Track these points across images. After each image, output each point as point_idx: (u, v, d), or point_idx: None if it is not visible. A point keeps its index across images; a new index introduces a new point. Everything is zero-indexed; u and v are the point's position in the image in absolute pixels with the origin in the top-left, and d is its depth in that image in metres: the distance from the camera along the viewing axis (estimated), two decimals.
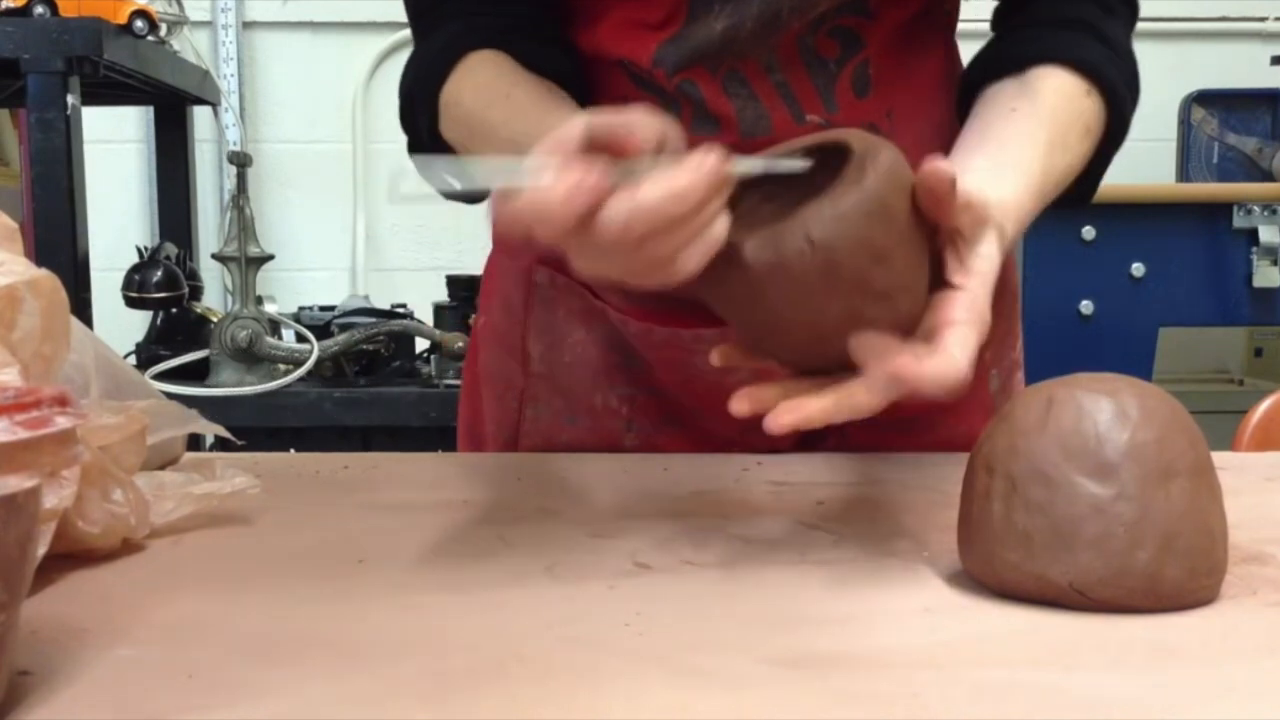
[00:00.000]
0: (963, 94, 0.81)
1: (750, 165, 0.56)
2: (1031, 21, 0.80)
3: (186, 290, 2.08)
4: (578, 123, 0.54)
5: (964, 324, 0.58)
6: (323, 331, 2.06)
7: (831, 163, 0.58)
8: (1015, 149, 0.70)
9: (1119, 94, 0.77)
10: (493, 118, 0.74)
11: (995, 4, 0.84)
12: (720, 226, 0.54)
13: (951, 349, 0.57)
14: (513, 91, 0.75)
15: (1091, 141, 0.76)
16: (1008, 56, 0.78)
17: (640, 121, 0.54)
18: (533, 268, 0.91)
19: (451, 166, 0.51)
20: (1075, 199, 0.80)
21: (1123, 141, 0.79)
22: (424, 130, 0.80)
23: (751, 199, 0.61)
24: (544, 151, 0.52)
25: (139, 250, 2.12)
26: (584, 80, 0.82)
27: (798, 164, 0.56)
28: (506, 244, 0.80)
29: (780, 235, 0.55)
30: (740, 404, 0.57)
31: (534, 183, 0.50)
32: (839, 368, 0.57)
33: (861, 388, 0.56)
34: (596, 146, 0.53)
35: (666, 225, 0.51)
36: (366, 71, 2.64)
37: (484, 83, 0.76)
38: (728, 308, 0.60)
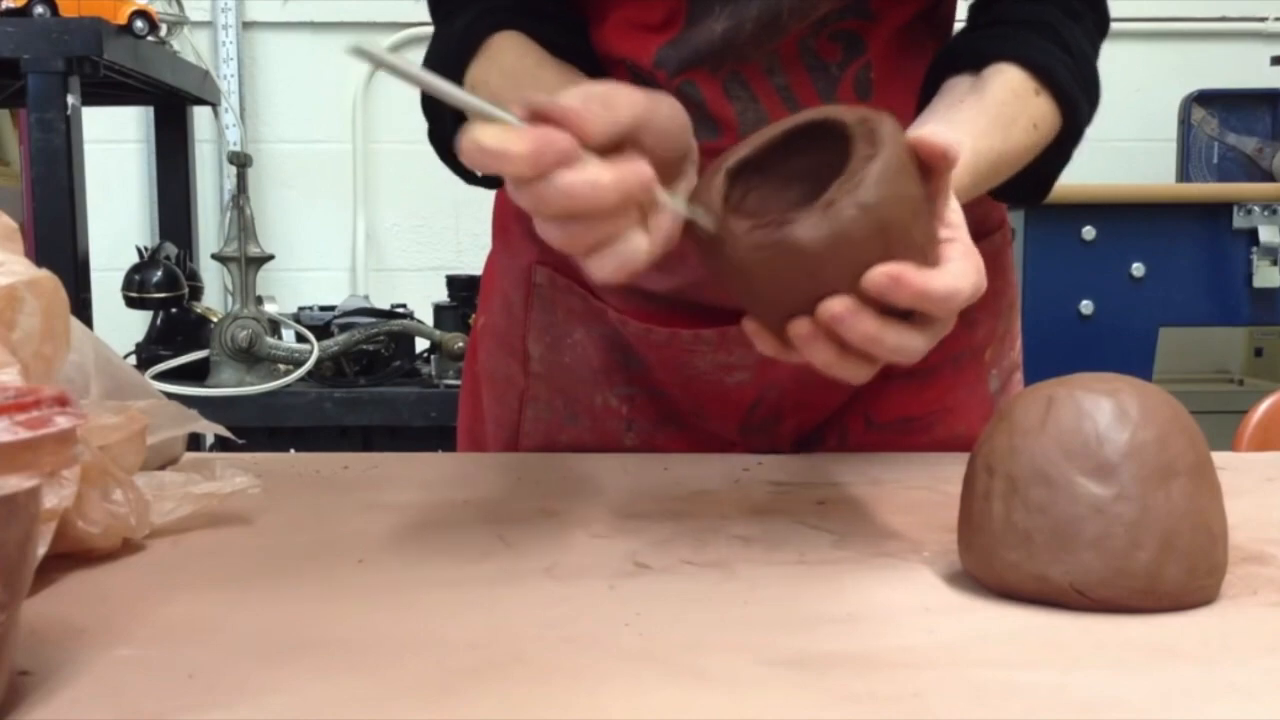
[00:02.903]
0: (925, 84, 0.81)
1: (682, 204, 0.58)
2: (995, 20, 0.80)
3: (186, 290, 2.08)
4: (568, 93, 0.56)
5: (960, 259, 0.60)
6: (323, 331, 2.06)
7: (814, 143, 0.60)
8: (948, 129, 0.70)
9: (1070, 96, 0.77)
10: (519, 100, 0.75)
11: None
12: (637, 243, 0.56)
13: (953, 270, 0.59)
14: (539, 73, 0.75)
15: (1039, 136, 0.76)
16: (967, 52, 0.79)
17: (602, 111, 0.55)
18: (532, 268, 0.91)
19: (432, 80, 0.54)
20: (1028, 196, 0.81)
21: (1077, 143, 0.79)
22: (448, 114, 0.80)
23: (735, 193, 0.61)
24: (521, 101, 0.55)
25: (139, 250, 2.12)
26: (599, 65, 0.83)
27: (707, 219, 0.58)
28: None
29: (832, 209, 0.56)
30: None
31: (510, 122, 0.53)
32: None
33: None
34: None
35: (583, 212, 0.54)
36: (366, 71, 2.64)
37: (509, 66, 0.76)
38: (766, 292, 0.59)
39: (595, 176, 0.53)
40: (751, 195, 0.62)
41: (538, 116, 0.54)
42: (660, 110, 0.59)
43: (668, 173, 0.60)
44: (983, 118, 0.72)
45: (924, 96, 0.81)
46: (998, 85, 0.75)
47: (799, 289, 0.57)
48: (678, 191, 0.60)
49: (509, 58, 0.77)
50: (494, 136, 0.52)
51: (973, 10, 0.85)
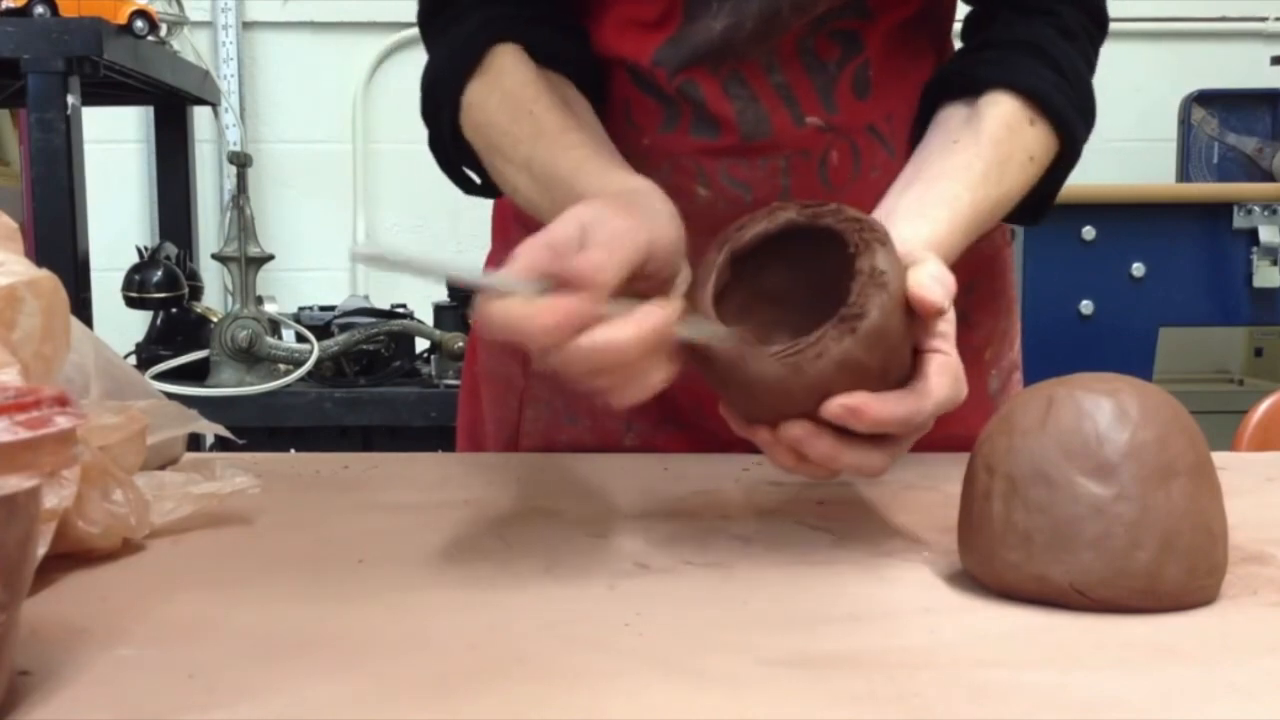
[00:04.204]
0: (920, 111, 0.82)
1: (693, 330, 0.59)
2: (988, 43, 0.81)
3: (186, 290, 2.08)
4: (555, 239, 0.57)
5: (936, 375, 0.61)
6: (323, 331, 2.06)
7: (806, 240, 0.62)
8: (946, 184, 0.72)
9: (1066, 120, 0.78)
10: (516, 133, 0.76)
11: (967, 13, 0.85)
12: (658, 375, 0.57)
13: (920, 389, 0.60)
14: (534, 109, 0.75)
15: (1036, 169, 0.77)
16: (962, 78, 0.79)
17: (609, 261, 0.56)
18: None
19: (431, 265, 0.55)
20: (1027, 219, 0.82)
21: (1074, 164, 0.81)
22: (446, 126, 0.80)
23: (737, 274, 0.64)
24: (526, 264, 0.55)
25: (139, 250, 2.12)
26: (597, 67, 0.83)
27: (730, 338, 0.59)
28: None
29: (803, 357, 0.57)
30: None
31: (524, 296, 0.54)
32: None
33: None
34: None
35: (608, 366, 0.56)
36: (366, 71, 2.65)
37: (509, 91, 0.77)
38: (727, 393, 0.62)
39: (615, 337, 0.55)
40: (737, 289, 0.64)
41: (558, 280, 0.55)
42: (658, 235, 0.60)
43: (668, 276, 0.62)
44: (979, 162, 0.73)
45: (919, 123, 0.81)
46: (992, 121, 0.76)
47: (770, 406, 0.59)
48: (677, 287, 0.62)
49: (508, 81, 0.77)
50: (516, 313, 0.53)
51: (966, 29, 0.85)
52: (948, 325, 0.63)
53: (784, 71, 0.80)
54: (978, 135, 0.75)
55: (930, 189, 0.72)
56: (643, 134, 0.83)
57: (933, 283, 0.60)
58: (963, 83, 0.79)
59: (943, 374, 0.61)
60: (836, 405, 0.57)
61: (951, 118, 0.78)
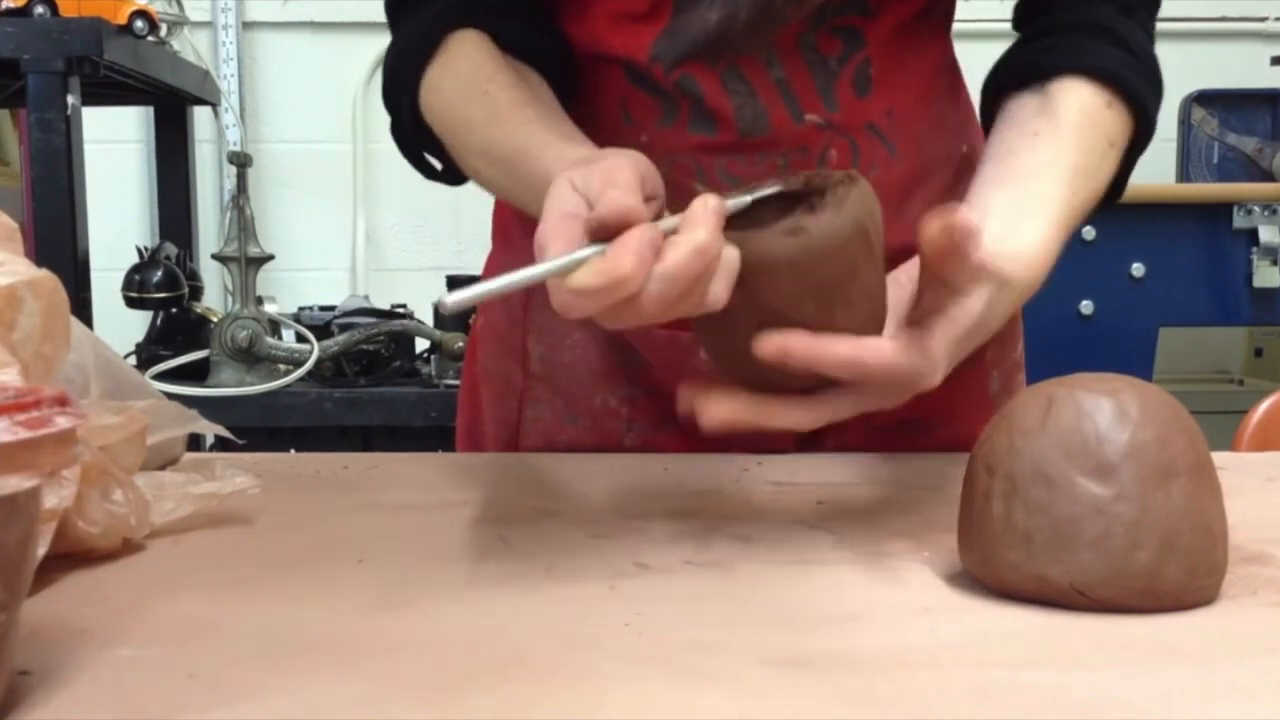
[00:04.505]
0: (985, 103, 0.81)
1: (738, 201, 0.59)
2: (1050, 28, 0.80)
3: (186, 290, 2.08)
4: (565, 208, 0.56)
5: (903, 343, 0.59)
6: (323, 332, 2.06)
7: (812, 200, 0.61)
8: (1040, 182, 0.71)
9: (1142, 98, 0.77)
10: (470, 115, 0.75)
11: (1015, 2, 0.84)
12: (732, 253, 0.56)
13: (865, 342, 0.58)
14: (489, 88, 0.75)
15: (1116, 155, 0.77)
16: (1028, 65, 0.78)
17: (623, 190, 0.55)
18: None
19: (488, 286, 0.53)
20: (1105, 203, 0.81)
21: (1149, 140, 0.80)
22: (405, 112, 0.80)
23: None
24: (563, 242, 0.54)
25: (139, 250, 2.12)
26: (566, 59, 0.82)
27: (771, 188, 0.60)
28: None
29: (772, 236, 0.57)
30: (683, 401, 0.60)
31: (588, 268, 0.52)
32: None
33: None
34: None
35: (699, 277, 0.54)
36: (366, 71, 2.65)
37: (465, 74, 0.77)
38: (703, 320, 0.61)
39: (694, 240, 0.53)
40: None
41: (604, 229, 0.53)
42: (636, 160, 0.60)
43: (662, 197, 0.62)
44: (1066, 156, 0.72)
45: (984, 116, 0.80)
46: (1071, 109, 0.75)
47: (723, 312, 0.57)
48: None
49: (465, 65, 0.77)
50: (596, 277, 0.52)
51: (1019, 16, 0.84)
52: (963, 314, 0.61)
53: (784, 67, 0.80)
54: (1058, 127, 0.74)
55: (1027, 185, 0.71)
56: (640, 130, 0.82)
57: (968, 218, 0.56)
58: (1029, 71, 0.77)
59: (909, 349, 0.59)
60: (769, 343, 0.56)
61: (1024, 108, 0.76)
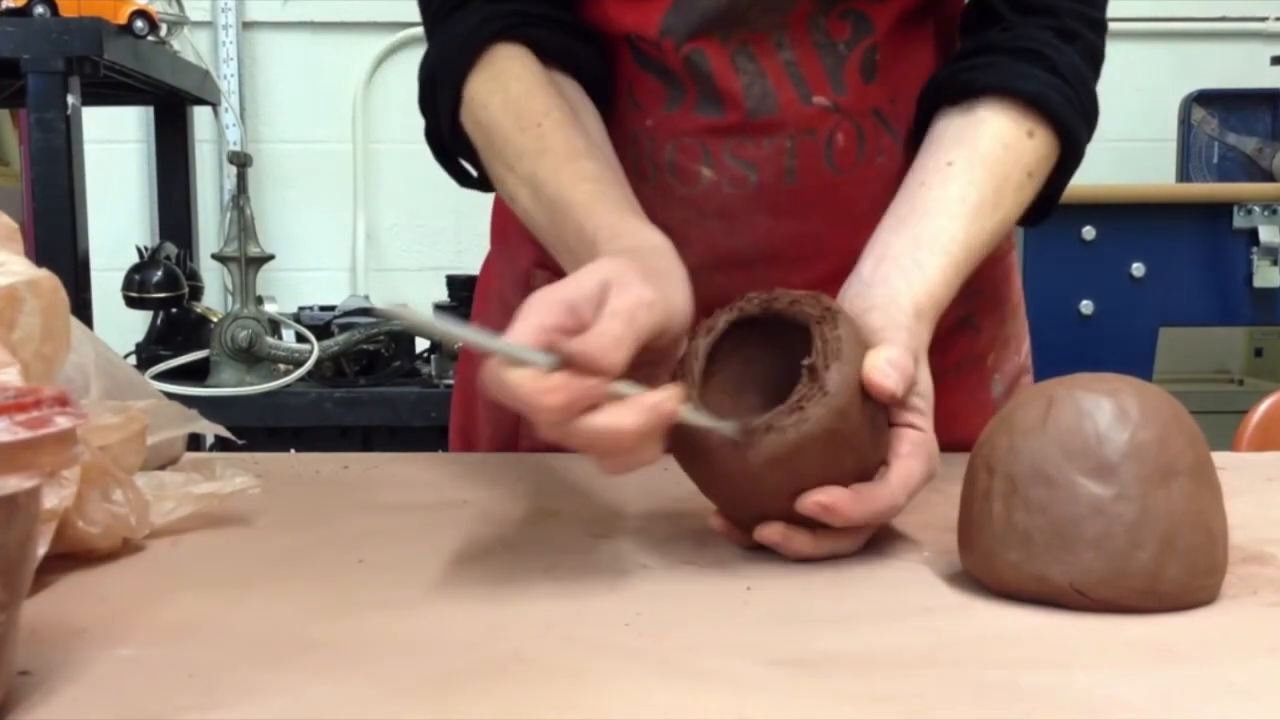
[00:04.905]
0: (919, 113, 0.82)
1: (695, 418, 0.59)
2: (986, 46, 0.80)
3: (186, 290, 2.08)
4: (574, 297, 0.57)
5: (908, 457, 0.62)
6: (323, 331, 2.06)
7: (779, 330, 0.63)
8: (941, 221, 0.73)
9: (1068, 124, 0.78)
10: (522, 145, 0.75)
11: (963, 10, 0.85)
12: (651, 453, 0.57)
13: (893, 482, 0.61)
14: (544, 123, 0.75)
15: (1035, 184, 0.78)
16: (959, 83, 0.79)
17: (625, 337, 0.56)
18: (531, 271, 0.91)
19: (438, 325, 0.57)
20: (1029, 221, 0.82)
21: (1077, 167, 0.81)
22: (444, 117, 0.80)
23: (721, 363, 0.64)
24: (541, 322, 0.55)
25: (139, 250, 2.12)
26: (604, 66, 0.83)
27: (729, 427, 0.59)
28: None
29: (751, 441, 0.58)
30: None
31: (534, 370, 0.54)
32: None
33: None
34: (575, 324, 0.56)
35: (610, 448, 0.55)
36: (366, 71, 2.64)
37: (517, 98, 0.77)
38: (713, 488, 0.63)
39: (621, 423, 0.54)
40: (714, 380, 0.64)
41: (568, 361, 0.54)
42: (675, 309, 0.60)
43: (674, 350, 0.62)
44: (973, 191, 0.74)
45: (918, 125, 0.81)
46: (988, 139, 0.76)
47: (750, 492, 0.60)
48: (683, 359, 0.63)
49: (516, 87, 0.77)
50: (526, 387, 0.53)
51: (963, 29, 0.85)
52: (922, 400, 0.64)
53: (794, 49, 0.80)
54: (972, 158, 0.75)
55: (924, 228, 0.72)
56: (646, 114, 0.82)
57: (887, 367, 0.60)
58: (959, 88, 0.79)
59: (915, 455, 0.62)
60: (811, 502, 0.58)
61: (946, 131, 0.78)
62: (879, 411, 0.62)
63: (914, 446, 0.62)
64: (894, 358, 0.61)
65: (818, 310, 0.61)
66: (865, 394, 0.60)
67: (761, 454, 0.58)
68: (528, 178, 0.74)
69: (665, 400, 0.56)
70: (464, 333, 0.56)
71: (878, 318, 0.65)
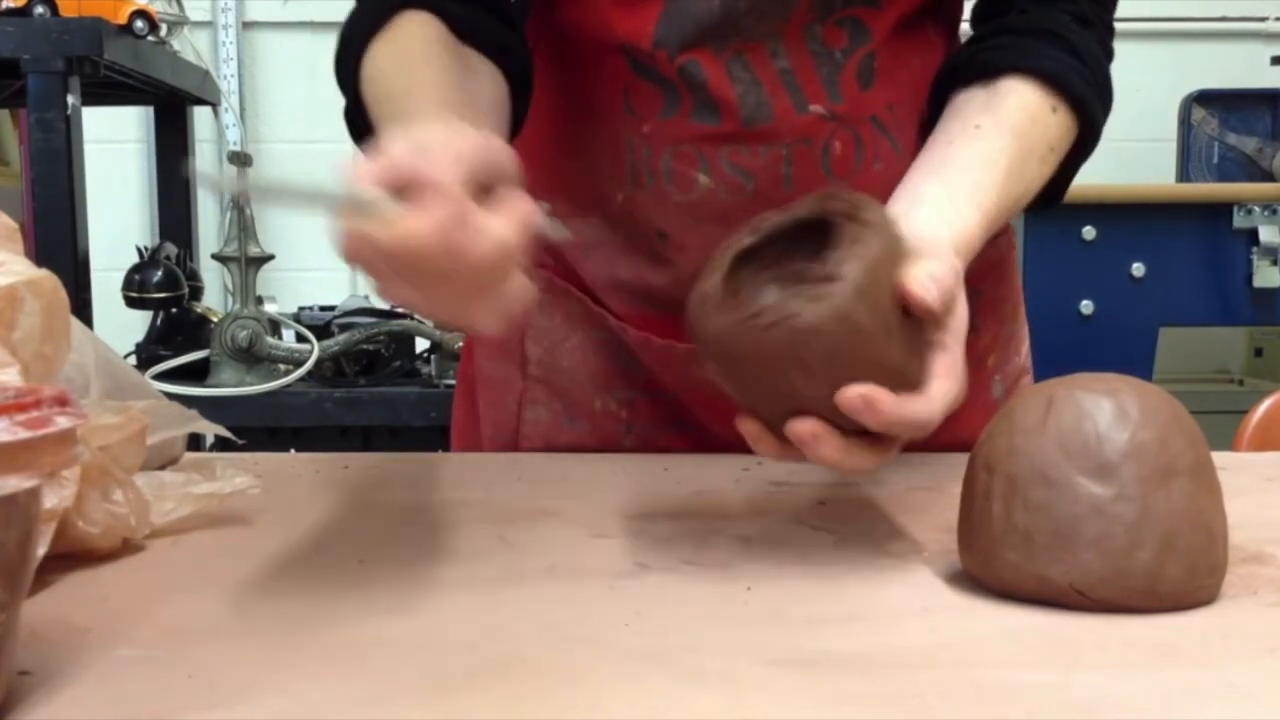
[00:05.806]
0: (933, 96, 0.81)
1: (553, 228, 0.57)
2: (1004, 29, 0.80)
3: (186, 290, 2.08)
4: (389, 152, 0.54)
5: (945, 376, 0.60)
6: (323, 331, 2.06)
7: (812, 236, 0.60)
8: (973, 174, 0.71)
9: (1088, 105, 0.78)
10: (394, 87, 0.72)
11: (977, 1, 0.85)
12: (516, 287, 0.54)
13: (932, 394, 0.59)
14: (421, 66, 0.71)
15: (1056, 159, 0.77)
16: (979, 64, 0.79)
17: (454, 166, 0.52)
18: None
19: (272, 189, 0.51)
20: (1038, 205, 0.81)
21: (1094, 148, 0.80)
22: (349, 84, 0.76)
23: (748, 271, 0.62)
24: (368, 177, 0.52)
25: (139, 250, 2.12)
26: (522, 55, 0.80)
27: (564, 232, 0.57)
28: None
29: (809, 301, 0.56)
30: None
31: (390, 216, 0.50)
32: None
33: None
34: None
35: (490, 265, 0.52)
36: None
37: (405, 50, 0.73)
38: (730, 379, 0.60)
39: (498, 230, 0.51)
40: (745, 287, 0.62)
41: (401, 182, 0.51)
42: (491, 139, 0.57)
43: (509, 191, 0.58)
44: (1003, 156, 0.72)
45: (931, 107, 0.81)
46: (1014, 110, 0.75)
47: (779, 384, 0.57)
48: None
49: (409, 43, 0.73)
50: (391, 232, 0.50)
51: (977, 15, 0.84)
52: (957, 321, 0.61)
53: (789, 57, 0.80)
54: (1000, 124, 0.74)
55: (959, 179, 0.71)
56: (642, 121, 0.82)
57: (928, 281, 0.58)
58: (979, 68, 0.78)
59: (951, 375, 0.60)
60: (854, 394, 0.55)
61: (970, 102, 0.77)
62: (916, 331, 0.59)
63: (949, 367, 0.60)
64: (936, 272, 0.58)
65: (845, 205, 0.59)
66: (903, 308, 0.57)
67: (777, 335, 0.55)
68: (393, 119, 0.69)
69: (522, 202, 0.53)
70: (295, 187, 0.51)
71: (918, 242, 0.61)
